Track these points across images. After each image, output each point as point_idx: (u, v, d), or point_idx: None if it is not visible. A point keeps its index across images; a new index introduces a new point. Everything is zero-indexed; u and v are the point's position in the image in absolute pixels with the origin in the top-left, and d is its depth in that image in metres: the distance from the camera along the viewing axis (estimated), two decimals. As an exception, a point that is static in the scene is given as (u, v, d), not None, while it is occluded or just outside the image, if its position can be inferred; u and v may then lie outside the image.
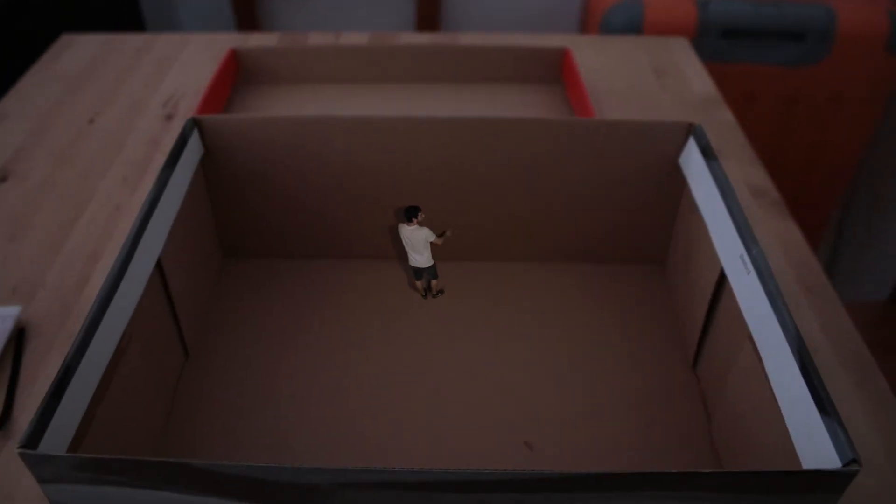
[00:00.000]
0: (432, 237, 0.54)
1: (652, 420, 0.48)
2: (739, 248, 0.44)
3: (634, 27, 1.24)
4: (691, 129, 0.53)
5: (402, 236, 0.55)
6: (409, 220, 0.54)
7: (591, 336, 0.54)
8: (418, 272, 0.56)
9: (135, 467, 0.31)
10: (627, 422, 0.48)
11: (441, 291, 0.58)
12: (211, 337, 0.54)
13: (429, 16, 1.49)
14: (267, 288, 0.58)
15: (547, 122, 0.53)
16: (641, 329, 0.55)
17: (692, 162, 0.52)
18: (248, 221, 0.59)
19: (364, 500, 0.32)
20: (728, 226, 0.46)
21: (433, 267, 0.56)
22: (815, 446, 0.34)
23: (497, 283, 0.59)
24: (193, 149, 0.53)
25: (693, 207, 0.52)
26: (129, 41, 0.98)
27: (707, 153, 0.51)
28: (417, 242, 0.55)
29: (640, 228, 0.59)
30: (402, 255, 0.60)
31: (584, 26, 1.45)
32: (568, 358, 0.53)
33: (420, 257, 0.55)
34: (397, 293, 0.58)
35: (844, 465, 0.31)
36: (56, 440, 0.34)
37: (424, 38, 0.99)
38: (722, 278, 0.47)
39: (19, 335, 0.54)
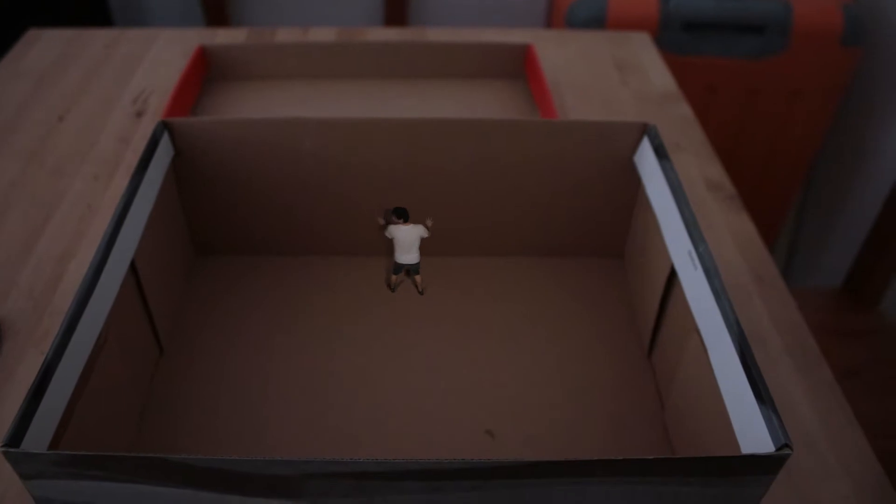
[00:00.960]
0: (425, 233, 0.57)
1: (610, 407, 0.51)
2: (688, 244, 0.46)
3: (598, 20, 1.27)
4: (646, 129, 0.55)
5: (394, 236, 0.57)
6: (404, 220, 0.56)
7: (553, 326, 0.57)
8: (399, 267, 0.58)
9: (113, 462, 0.33)
10: (587, 410, 0.51)
11: (424, 290, 0.59)
12: (185, 333, 0.55)
13: (396, 8, 1.50)
14: (240, 284, 0.60)
15: (509, 123, 0.55)
16: (601, 319, 0.57)
17: (646, 161, 0.55)
18: (220, 219, 0.60)
19: (331, 489, 0.34)
20: (678, 223, 0.48)
21: (418, 263, 0.58)
22: (752, 431, 0.36)
23: (464, 278, 0.61)
24: (164, 151, 0.54)
25: (648, 205, 0.55)
26: (96, 36, 0.98)
27: (660, 153, 0.53)
28: (413, 241, 0.56)
29: (599, 223, 0.61)
30: (374, 250, 0.62)
31: (550, 18, 1.47)
32: (531, 347, 0.55)
33: (411, 255, 0.57)
34: (369, 288, 0.59)
35: (777, 450, 0.34)
36: (37, 438, 0.35)
37: (392, 34, 1.00)
38: (673, 273, 0.49)
39: (-6, 334, 0.56)
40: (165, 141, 0.54)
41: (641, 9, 1.25)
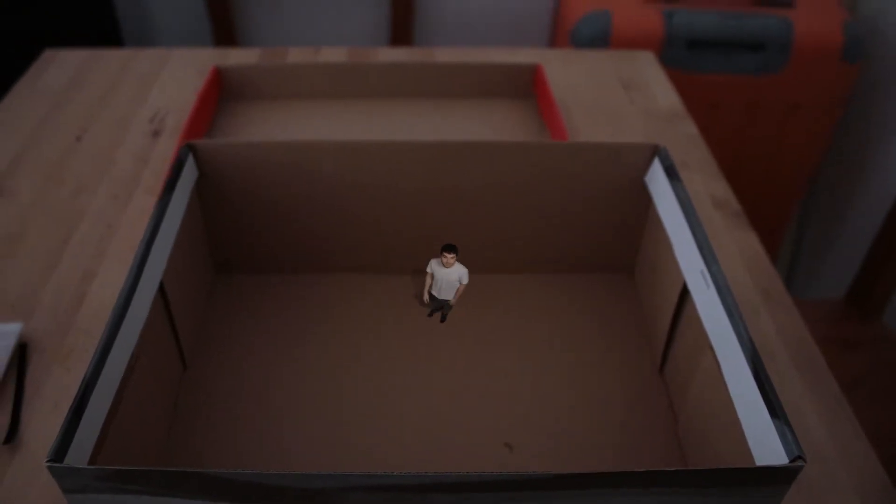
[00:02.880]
0: (466, 279, 0.57)
1: (623, 421, 0.52)
2: (700, 264, 0.48)
3: (603, 38, 1.29)
4: (656, 151, 0.57)
5: (434, 272, 0.57)
6: (455, 255, 0.56)
7: (565, 342, 0.58)
8: (438, 303, 0.58)
9: (153, 477, 0.34)
10: (601, 423, 0.52)
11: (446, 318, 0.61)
12: (207, 350, 0.57)
13: (403, 28, 1.52)
14: (259, 302, 0.61)
15: (522, 146, 0.57)
16: (611, 335, 0.59)
17: (657, 181, 0.56)
18: (241, 238, 0.62)
19: (368, 502, 0.35)
20: (690, 243, 0.50)
21: (451, 307, 0.59)
22: (766, 445, 0.38)
23: (478, 294, 0.62)
24: (189, 173, 0.56)
25: (658, 223, 0.57)
26: (111, 57, 1.00)
27: (671, 173, 0.55)
28: (452, 284, 0.57)
29: (609, 241, 0.63)
30: (391, 269, 0.63)
31: (555, 36, 1.49)
32: (544, 363, 0.56)
33: (450, 294, 0.58)
34: (385, 305, 0.61)
35: (791, 461, 0.35)
36: (78, 453, 0.37)
37: (401, 54, 1.02)
38: (685, 290, 0.51)
39: (22, 351, 0.57)
40: (190, 163, 0.56)
41: (646, 26, 1.27)
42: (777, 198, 1.47)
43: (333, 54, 1.01)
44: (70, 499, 0.36)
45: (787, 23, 1.27)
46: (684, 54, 1.28)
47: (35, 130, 0.84)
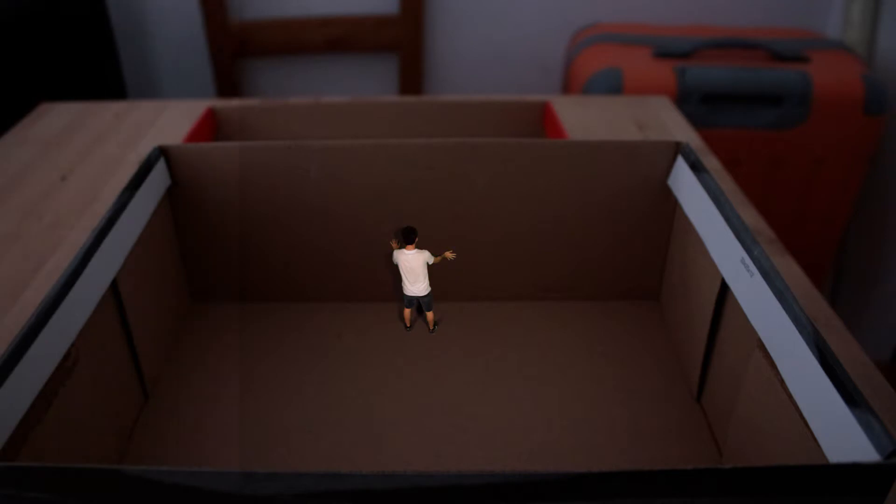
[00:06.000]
0: (431, 259, 0.51)
1: (656, 457, 0.44)
2: (739, 251, 0.41)
3: (615, 94, 1.25)
4: (679, 148, 0.51)
5: (399, 263, 0.52)
6: (409, 244, 0.51)
7: (585, 377, 0.50)
8: (411, 300, 0.52)
9: (61, 477, 0.27)
10: (629, 462, 0.44)
11: (437, 323, 0.54)
12: (173, 382, 0.49)
13: (411, 92, 1.51)
14: (239, 335, 0.54)
15: (531, 144, 0.51)
16: (637, 367, 0.51)
17: (682, 180, 0.50)
18: (220, 263, 0.55)
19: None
20: (725, 233, 0.43)
21: (429, 296, 0.52)
22: (847, 445, 0.30)
23: (485, 323, 0.55)
24: (159, 178, 0.50)
25: (687, 229, 0.50)
26: (107, 108, 0.97)
27: (697, 167, 0.48)
28: (418, 268, 0.51)
29: (631, 260, 0.56)
30: (385, 296, 0.56)
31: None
32: (561, 399, 0.48)
33: (419, 285, 0.52)
34: (381, 338, 0.53)
35: (885, 458, 0.27)
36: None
37: (406, 100, 0.99)
38: (723, 292, 0.44)
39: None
40: (161, 168, 0.50)
41: (658, 82, 1.24)
42: (805, 256, 1.39)
43: (335, 101, 0.98)
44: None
45: (805, 76, 1.23)
46: (699, 109, 1.24)
47: (20, 172, 0.80)
